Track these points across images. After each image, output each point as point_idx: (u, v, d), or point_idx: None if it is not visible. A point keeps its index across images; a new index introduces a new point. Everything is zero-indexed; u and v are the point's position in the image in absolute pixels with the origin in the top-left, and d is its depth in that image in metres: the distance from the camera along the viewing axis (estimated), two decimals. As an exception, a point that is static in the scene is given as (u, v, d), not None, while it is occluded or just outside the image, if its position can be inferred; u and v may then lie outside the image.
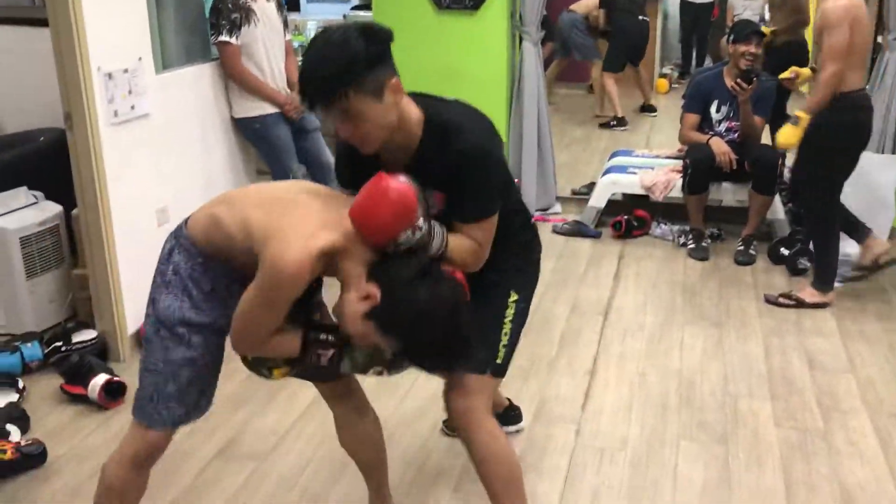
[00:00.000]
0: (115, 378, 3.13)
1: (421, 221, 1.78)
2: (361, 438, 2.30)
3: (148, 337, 1.99)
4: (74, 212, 3.51)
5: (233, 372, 3.17)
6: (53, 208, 3.71)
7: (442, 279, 1.80)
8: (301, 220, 1.78)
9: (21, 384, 3.17)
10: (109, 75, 3.24)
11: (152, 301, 2.00)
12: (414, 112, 1.87)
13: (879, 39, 4.55)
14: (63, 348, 3.34)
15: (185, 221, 2.02)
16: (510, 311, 2.13)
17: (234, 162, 4.22)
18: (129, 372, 3.33)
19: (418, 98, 1.93)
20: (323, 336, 1.89)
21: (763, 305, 3.93)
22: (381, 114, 1.77)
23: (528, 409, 3.07)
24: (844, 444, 2.84)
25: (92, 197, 3.25)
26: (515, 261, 2.16)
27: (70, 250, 3.73)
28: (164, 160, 3.67)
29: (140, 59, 3.43)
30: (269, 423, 3.02)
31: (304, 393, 3.03)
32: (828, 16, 3.55)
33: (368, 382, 3.18)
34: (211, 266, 1.96)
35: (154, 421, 1.99)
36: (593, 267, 4.44)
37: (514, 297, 2.14)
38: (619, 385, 3.23)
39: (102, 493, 2.06)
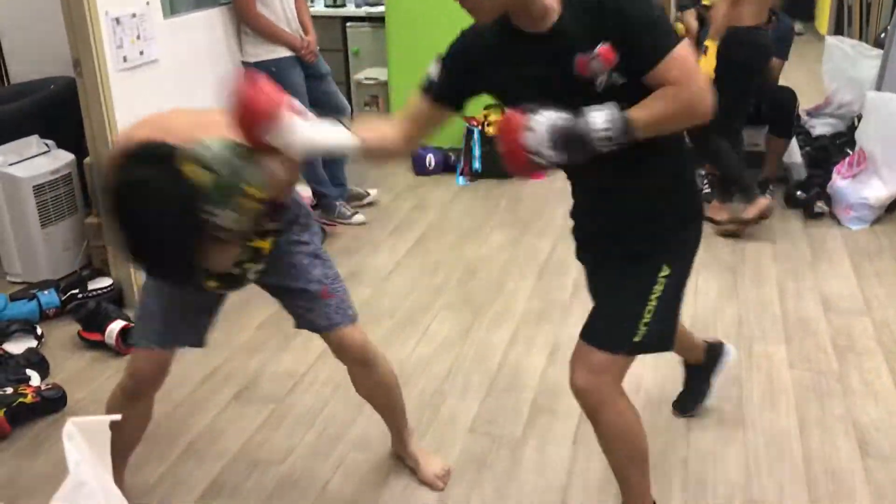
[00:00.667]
0: (131, 324, 3.15)
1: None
2: (373, 388, 2.31)
3: None
4: (87, 160, 3.51)
5: (247, 321, 3.21)
6: (65, 156, 3.71)
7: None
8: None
9: (39, 331, 3.20)
10: (117, 20, 3.21)
11: None
12: None
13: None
14: (79, 295, 3.37)
15: None
16: (658, 287, 1.86)
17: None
18: (145, 318, 3.36)
19: None
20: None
21: (779, 249, 3.90)
22: None
23: (542, 351, 3.09)
24: (859, 385, 2.84)
25: (103, 144, 3.24)
26: (672, 220, 1.90)
27: (83, 199, 3.74)
28: (174, 106, 3.63)
29: (148, 3, 3.39)
30: (284, 367, 3.05)
31: (318, 340, 3.05)
32: None
33: (381, 332, 3.20)
34: None
35: (136, 339, 2.03)
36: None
37: (665, 271, 1.87)
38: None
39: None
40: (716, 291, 3.52)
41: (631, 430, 1.96)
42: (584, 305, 3.35)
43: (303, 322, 2.16)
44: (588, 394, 1.91)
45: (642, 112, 1.62)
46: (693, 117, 1.65)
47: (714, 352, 2.66)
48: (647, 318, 1.86)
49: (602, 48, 1.62)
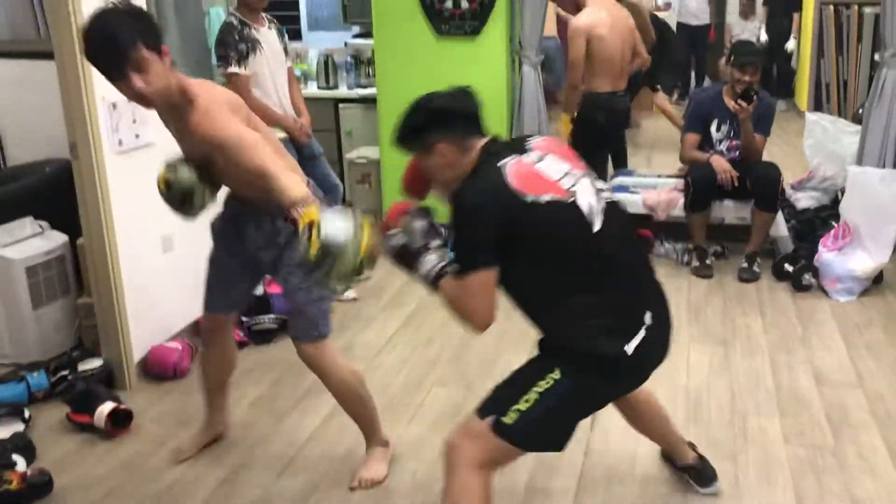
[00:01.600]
0: (122, 406, 3.13)
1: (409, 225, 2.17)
2: (333, 393, 2.79)
3: None
4: (80, 241, 3.53)
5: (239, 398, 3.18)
6: (59, 238, 3.73)
7: None
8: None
9: (27, 414, 3.17)
10: (114, 105, 3.27)
11: None
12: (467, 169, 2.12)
13: (877, 57, 4.58)
14: (69, 377, 3.34)
15: None
16: (543, 384, 1.99)
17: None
18: (135, 399, 3.34)
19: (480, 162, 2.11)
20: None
21: (769, 321, 3.92)
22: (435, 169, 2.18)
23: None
24: (855, 459, 2.82)
25: (97, 225, 3.27)
26: (569, 341, 2.05)
27: (76, 279, 3.75)
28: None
29: (144, 88, 3.45)
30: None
31: (308, 420, 3.04)
32: (569, 31, 4.70)
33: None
34: None
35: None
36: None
37: (556, 374, 2.00)
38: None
39: None
40: (707, 365, 3.52)
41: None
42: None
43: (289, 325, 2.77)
44: (449, 451, 2.07)
45: (447, 285, 2.09)
46: (463, 322, 2.11)
47: (703, 474, 2.69)
48: (521, 405, 1.99)
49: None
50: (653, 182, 5.10)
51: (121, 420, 3.09)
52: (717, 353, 3.62)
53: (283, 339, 3.88)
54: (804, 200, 5.16)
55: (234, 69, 3.91)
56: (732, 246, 4.83)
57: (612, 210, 2.13)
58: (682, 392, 3.30)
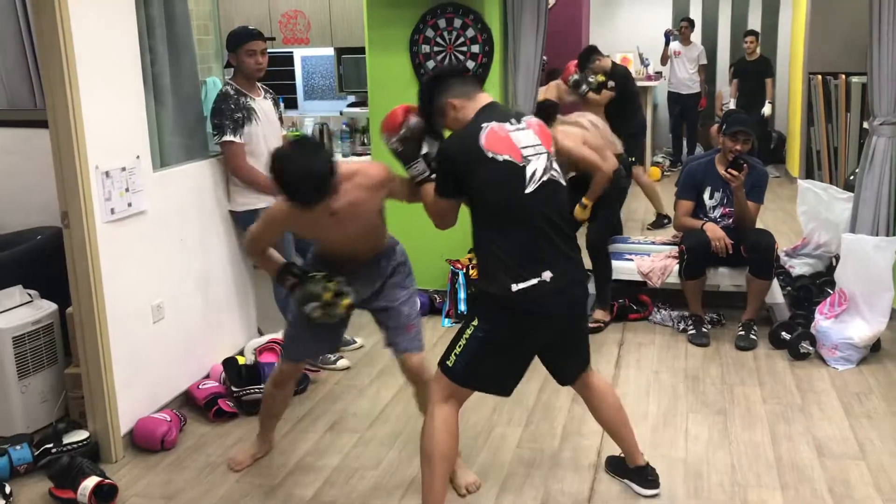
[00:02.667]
0: (107, 480, 3.04)
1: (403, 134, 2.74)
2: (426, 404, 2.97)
3: None
4: (69, 310, 3.49)
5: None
6: (48, 307, 3.69)
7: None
8: None
9: (8, 489, 3.08)
10: (107, 174, 3.27)
11: None
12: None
13: (866, 125, 4.62)
14: (53, 450, 3.26)
15: None
16: (468, 332, 2.63)
17: (233, 256, 4.22)
18: (120, 474, 3.25)
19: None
20: (293, 269, 2.97)
21: (768, 391, 3.87)
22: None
23: (531, 502, 2.98)
24: (860, 535, 2.75)
25: (86, 295, 3.24)
26: (486, 298, 2.64)
27: (64, 349, 3.69)
28: (162, 256, 3.67)
29: (138, 157, 3.47)
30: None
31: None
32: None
33: (365, 485, 3.10)
34: None
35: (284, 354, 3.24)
36: (594, 354, 4.32)
37: (475, 321, 2.63)
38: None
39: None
40: (706, 436, 3.45)
41: (429, 431, 2.65)
42: (574, 454, 3.30)
43: (388, 342, 3.09)
44: (425, 383, 2.84)
45: (426, 189, 2.78)
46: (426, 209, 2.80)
47: (646, 475, 3.03)
48: (457, 350, 2.64)
49: None
50: (646, 249, 5.10)
51: (105, 495, 3.00)
52: (717, 424, 3.56)
53: (273, 409, 3.81)
54: (799, 267, 5.17)
55: (229, 137, 3.93)
56: (729, 313, 4.80)
57: (551, 185, 2.63)
58: (681, 465, 3.22)
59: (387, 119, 2.79)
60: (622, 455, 3.07)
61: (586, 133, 4.76)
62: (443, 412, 2.66)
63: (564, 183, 2.72)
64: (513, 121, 2.65)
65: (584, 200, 4.72)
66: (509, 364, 2.70)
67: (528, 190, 2.56)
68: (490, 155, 2.55)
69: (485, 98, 2.72)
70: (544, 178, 2.60)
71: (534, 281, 2.53)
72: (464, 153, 2.59)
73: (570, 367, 2.93)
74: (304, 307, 2.87)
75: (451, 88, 2.70)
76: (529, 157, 2.59)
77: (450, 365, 2.64)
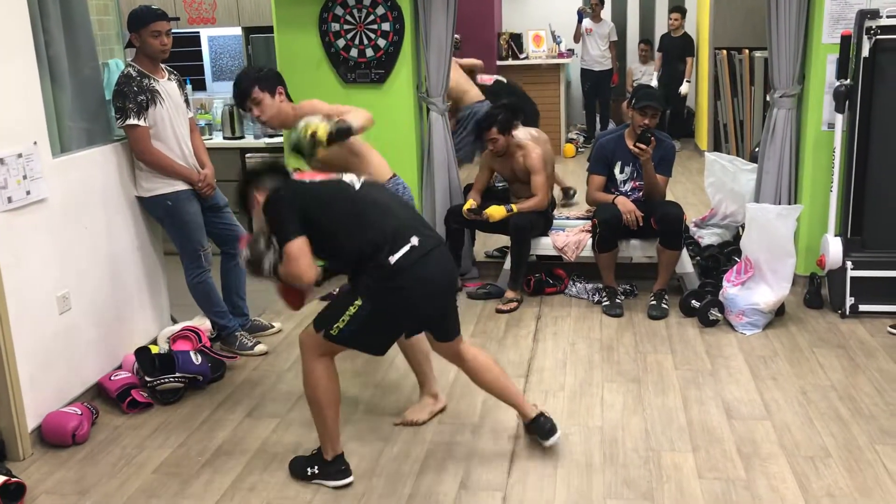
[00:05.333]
0: (13, 479, 2.93)
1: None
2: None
3: None
4: (-33, 304, 3.34)
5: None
6: (-55, 302, 3.52)
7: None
8: None
9: None
10: (1, 161, 3.13)
11: None
12: None
13: (768, 98, 4.78)
14: (-44, 450, 3.12)
15: None
16: (352, 309, 2.83)
17: (142, 243, 4.11)
18: (28, 472, 3.14)
19: None
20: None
21: (679, 358, 3.99)
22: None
23: (453, 476, 3.01)
24: (766, 491, 2.86)
25: (-16, 287, 3.10)
26: (369, 281, 2.85)
27: (-36, 345, 3.53)
28: (65, 245, 3.54)
29: (35, 142, 3.33)
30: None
31: (217, 482, 2.90)
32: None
33: (285, 470, 3.07)
34: None
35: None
36: (512, 329, 4.45)
37: (358, 301, 2.84)
38: (542, 447, 3.20)
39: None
40: (621, 404, 3.54)
41: (313, 381, 2.94)
42: (494, 426, 3.34)
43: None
44: (301, 342, 2.97)
45: (281, 270, 2.89)
46: (293, 281, 2.89)
47: (542, 426, 3.20)
48: (340, 324, 2.85)
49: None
50: (561, 224, 5.17)
51: (12, 495, 2.89)
52: (631, 392, 3.66)
53: (189, 398, 3.74)
54: (708, 237, 5.33)
55: (133, 121, 3.81)
56: (641, 284, 4.92)
57: (370, 182, 3.10)
58: (598, 433, 3.30)
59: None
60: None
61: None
62: (323, 364, 2.94)
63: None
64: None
65: (513, 207, 4.81)
66: (395, 329, 3.03)
67: (356, 188, 3.01)
68: (308, 181, 3.07)
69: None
70: (361, 181, 3.09)
71: (406, 249, 2.84)
72: (294, 196, 2.98)
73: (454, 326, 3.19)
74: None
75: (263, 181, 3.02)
76: (342, 175, 3.11)
77: (333, 334, 2.87)
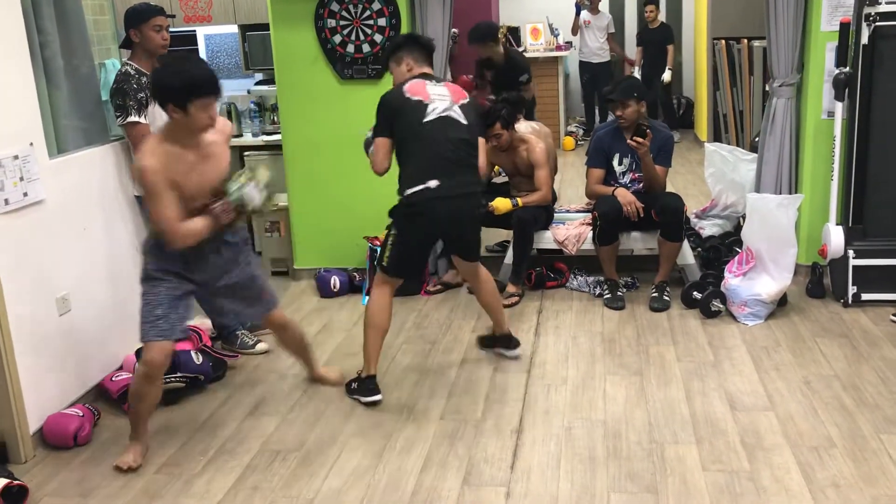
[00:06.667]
0: (16, 481, 2.93)
1: None
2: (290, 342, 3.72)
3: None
4: (-34, 307, 3.33)
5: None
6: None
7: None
8: None
9: (-89, 497, 2.93)
10: (-2, 162, 3.12)
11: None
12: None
13: (767, 87, 4.76)
14: (-43, 454, 3.12)
15: None
16: (391, 238, 3.55)
17: (142, 242, 4.09)
18: (31, 474, 3.14)
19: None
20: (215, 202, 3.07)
21: (681, 350, 3.97)
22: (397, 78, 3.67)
23: (456, 472, 3.00)
24: (770, 482, 2.85)
25: (-17, 289, 3.09)
26: (394, 207, 3.56)
27: (-36, 348, 3.52)
28: (64, 246, 3.53)
29: (31, 144, 3.32)
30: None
31: (217, 482, 2.89)
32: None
33: (288, 468, 3.06)
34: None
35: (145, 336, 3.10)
36: (514, 323, 4.43)
37: (392, 229, 3.56)
38: (546, 441, 3.20)
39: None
40: (624, 396, 3.53)
41: (370, 304, 3.60)
42: (496, 421, 3.33)
43: (242, 317, 3.90)
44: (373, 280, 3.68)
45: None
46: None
47: (509, 340, 3.98)
48: (386, 253, 3.55)
49: None
50: (561, 217, 5.16)
51: (15, 497, 2.89)
52: (633, 384, 3.64)
53: (191, 398, 3.73)
54: (709, 228, 5.31)
55: (133, 118, 3.79)
56: (642, 276, 4.91)
57: (447, 119, 3.48)
58: (601, 426, 3.29)
59: None
60: (491, 331, 4.01)
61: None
62: (379, 291, 3.58)
63: (464, 123, 3.52)
64: (433, 81, 3.60)
65: (518, 201, 4.80)
66: (417, 254, 3.68)
67: (426, 119, 3.44)
68: (407, 96, 3.48)
69: (426, 69, 3.64)
70: (443, 115, 3.47)
71: (419, 187, 3.41)
72: (393, 99, 3.52)
73: (468, 253, 3.75)
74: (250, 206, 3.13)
75: (414, 51, 3.63)
76: (434, 99, 3.48)
77: (385, 265, 3.56)
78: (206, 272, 3.20)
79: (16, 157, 3.22)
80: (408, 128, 3.44)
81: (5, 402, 3.19)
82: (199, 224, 3.01)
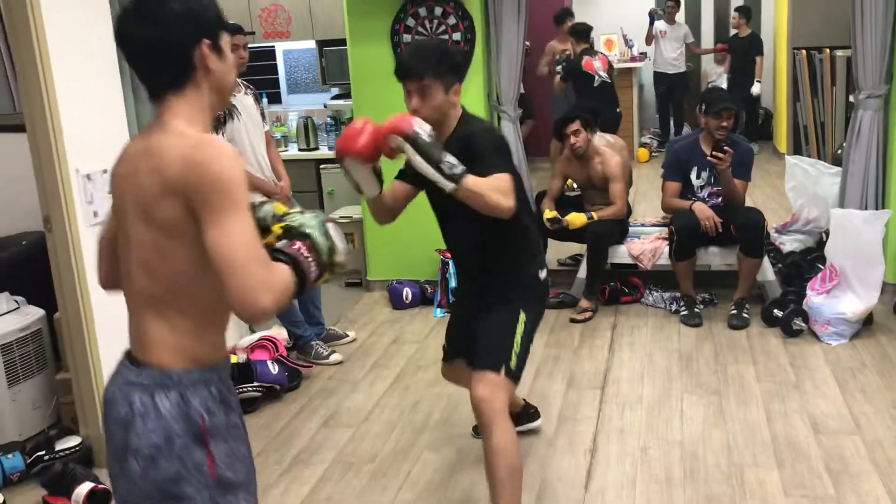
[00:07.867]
0: (100, 486, 3.02)
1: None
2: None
3: None
4: (56, 315, 3.46)
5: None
6: (35, 312, 3.65)
7: None
8: None
9: (1, 498, 3.05)
10: (88, 176, 3.23)
11: None
12: (457, 114, 2.64)
13: (852, 99, 4.61)
14: (46, 457, 3.23)
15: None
16: (520, 328, 2.57)
17: (219, 255, 4.18)
18: (115, 478, 3.23)
19: (465, 112, 2.67)
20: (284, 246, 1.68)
21: (762, 369, 3.86)
22: (442, 101, 2.57)
23: (529, 491, 2.97)
24: (857, 510, 2.75)
25: (72, 299, 3.20)
26: (524, 289, 2.66)
27: (53, 354, 3.66)
28: (147, 257, 3.63)
29: (119, 158, 3.42)
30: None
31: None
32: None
33: (361, 479, 3.08)
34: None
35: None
36: (587, 339, 4.38)
37: (523, 317, 2.59)
38: (620, 462, 3.14)
39: None
40: (701, 416, 3.45)
41: (512, 446, 2.45)
42: (570, 439, 3.29)
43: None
44: (486, 404, 2.44)
45: (472, 180, 2.31)
46: (493, 211, 2.36)
47: (530, 410, 3.33)
48: (516, 349, 2.54)
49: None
50: (637, 231, 5.08)
51: (99, 500, 2.98)
52: (711, 404, 3.56)
53: (267, 407, 3.79)
54: (790, 244, 5.16)
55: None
56: (721, 293, 4.79)
57: None
58: (678, 447, 3.22)
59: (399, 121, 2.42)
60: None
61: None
62: (510, 424, 2.49)
63: None
64: None
65: (593, 214, 4.75)
66: None
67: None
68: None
69: None
70: None
71: (546, 267, 2.79)
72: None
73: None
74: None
75: (462, 75, 2.71)
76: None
77: (513, 367, 2.52)
78: None
79: (105, 171, 3.33)
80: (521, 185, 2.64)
81: (92, 409, 3.29)
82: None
